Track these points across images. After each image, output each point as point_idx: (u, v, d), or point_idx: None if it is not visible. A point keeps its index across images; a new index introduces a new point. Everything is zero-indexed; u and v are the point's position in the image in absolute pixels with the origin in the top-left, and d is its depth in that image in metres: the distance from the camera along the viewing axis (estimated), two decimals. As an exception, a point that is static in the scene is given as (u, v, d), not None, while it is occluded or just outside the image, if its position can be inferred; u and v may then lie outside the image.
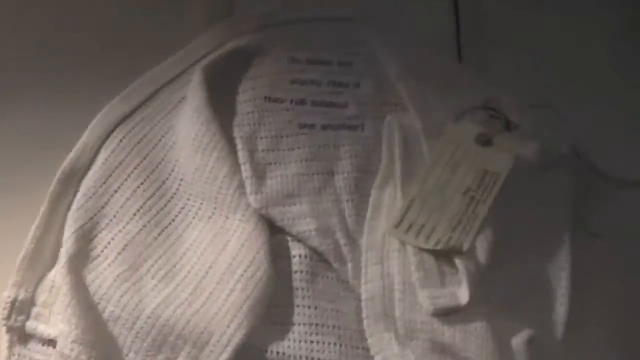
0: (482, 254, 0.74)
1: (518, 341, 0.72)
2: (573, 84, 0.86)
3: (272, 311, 0.71)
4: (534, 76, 0.87)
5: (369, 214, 0.76)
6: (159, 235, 0.75)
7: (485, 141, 0.80)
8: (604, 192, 0.80)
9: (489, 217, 0.75)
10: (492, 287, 0.74)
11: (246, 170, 0.75)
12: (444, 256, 0.74)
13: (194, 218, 0.75)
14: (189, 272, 0.72)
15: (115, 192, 0.76)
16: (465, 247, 0.74)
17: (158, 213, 0.76)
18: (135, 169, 0.78)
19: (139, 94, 0.81)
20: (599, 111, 0.83)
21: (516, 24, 0.91)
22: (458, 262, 0.73)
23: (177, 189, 0.77)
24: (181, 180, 0.77)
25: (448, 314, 0.71)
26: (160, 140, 0.80)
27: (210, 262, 0.73)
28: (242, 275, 0.71)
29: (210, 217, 0.75)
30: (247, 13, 0.85)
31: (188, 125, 0.79)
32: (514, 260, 0.76)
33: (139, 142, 0.79)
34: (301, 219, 0.74)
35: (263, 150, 0.77)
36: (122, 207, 0.75)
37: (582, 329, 0.75)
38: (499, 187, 0.77)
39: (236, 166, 0.75)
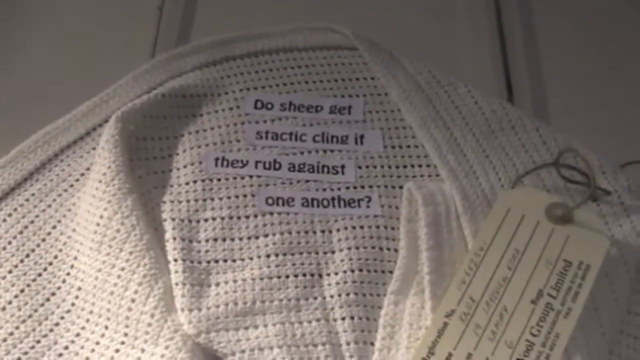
0: None
1: None
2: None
3: None
4: (613, 120, 0.66)
5: (378, 340, 0.48)
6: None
7: (561, 216, 0.53)
8: None
9: (577, 337, 0.48)
10: None
11: (177, 272, 0.50)
12: None
13: (91, 353, 0.48)
14: None
15: None
16: None
17: (36, 344, 0.49)
18: (10, 272, 0.51)
19: (26, 161, 0.57)
20: None
21: (578, 53, 0.70)
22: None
23: (71, 307, 0.50)
24: (78, 290, 0.50)
25: None
26: (52, 229, 0.53)
27: None
28: None
29: (116, 352, 0.47)
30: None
31: (91, 204, 0.51)
32: None
33: (20, 233, 0.53)
34: (264, 351, 0.47)
35: (207, 240, 0.52)
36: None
37: None
38: (589, 287, 0.50)
39: (161, 266, 0.50)
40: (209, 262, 0.50)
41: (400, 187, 0.55)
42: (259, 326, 0.48)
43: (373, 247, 0.52)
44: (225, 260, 0.51)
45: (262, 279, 0.50)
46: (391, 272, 0.51)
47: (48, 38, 0.67)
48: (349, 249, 0.51)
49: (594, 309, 0.50)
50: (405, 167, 0.56)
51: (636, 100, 0.68)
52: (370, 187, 0.55)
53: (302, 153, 0.56)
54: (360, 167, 0.56)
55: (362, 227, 0.52)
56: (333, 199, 0.54)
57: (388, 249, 0.52)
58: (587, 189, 0.55)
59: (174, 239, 0.51)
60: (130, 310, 0.47)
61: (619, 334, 0.50)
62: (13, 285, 0.50)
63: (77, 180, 0.55)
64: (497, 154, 0.57)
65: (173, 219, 0.52)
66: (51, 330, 0.49)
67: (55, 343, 0.48)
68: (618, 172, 0.58)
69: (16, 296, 0.50)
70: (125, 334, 0.47)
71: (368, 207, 0.53)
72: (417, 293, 0.50)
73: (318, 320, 0.49)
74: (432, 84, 0.60)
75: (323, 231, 0.52)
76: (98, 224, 0.50)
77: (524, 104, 0.66)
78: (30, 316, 0.49)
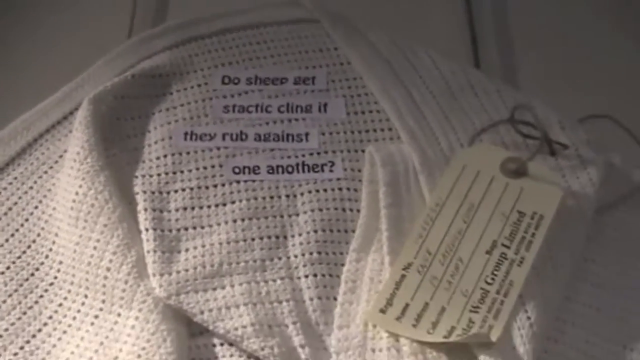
0: (523, 345, 0.48)
1: None
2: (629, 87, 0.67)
3: None
4: (575, 81, 0.69)
5: (340, 295, 0.51)
6: (19, 350, 0.50)
7: (516, 170, 0.55)
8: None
9: (532, 284, 0.50)
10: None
11: (149, 241, 0.52)
12: (462, 353, 0.47)
13: (73, 321, 0.51)
14: (55, 407, 0.47)
15: None
16: (495, 334, 0.48)
17: (22, 315, 0.51)
18: None
19: (7, 147, 0.59)
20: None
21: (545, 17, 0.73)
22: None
23: (54, 280, 0.53)
24: (60, 264, 0.53)
25: None
26: (34, 210, 0.56)
27: (90, 387, 0.47)
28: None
29: (95, 317, 0.50)
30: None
31: (67, 182, 0.54)
32: (579, 348, 0.50)
33: (4, 214, 0.56)
34: (230, 310, 0.49)
35: (177, 210, 0.54)
36: (-25, 311, 0.52)
37: None
38: (542, 237, 0.52)
39: (133, 236, 0.52)
40: (178, 229, 0.53)
41: (363, 151, 0.57)
42: (226, 286, 0.50)
43: (336, 209, 0.54)
44: (194, 228, 0.53)
45: (229, 242, 0.52)
46: (353, 231, 0.53)
47: (25, 25, 0.69)
48: (313, 211, 0.54)
49: (549, 258, 0.52)
50: (367, 131, 0.58)
51: (599, 57, 0.70)
52: (334, 152, 0.57)
53: (267, 123, 0.58)
54: (323, 134, 0.58)
55: (325, 190, 0.55)
56: (297, 165, 0.56)
57: (350, 210, 0.54)
58: (544, 143, 0.57)
59: (145, 210, 0.53)
60: (106, 279, 0.50)
61: (576, 280, 0.52)
62: (7, 255, 0.54)
63: (56, 162, 0.58)
64: (457, 115, 0.59)
65: (145, 192, 0.54)
66: (36, 302, 0.52)
67: (40, 314, 0.51)
68: (577, 126, 0.60)
69: (2, 273, 0.53)
70: (103, 301, 0.50)
71: (331, 171, 0.56)
72: (377, 250, 0.52)
73: (282, 278, 0.51)
74: (392, 51, 0.62)
75: (288, 195, 0.55)
76: (74, 200, 0.53)
77: (490, 65, 0.68)
78: (16, 290, 0.52)
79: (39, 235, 0.55)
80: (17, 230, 0.55)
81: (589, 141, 0.59)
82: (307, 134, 0.58)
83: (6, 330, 0.50)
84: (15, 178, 0.57)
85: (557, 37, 0.71)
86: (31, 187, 0.57)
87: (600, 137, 0.59)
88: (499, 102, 0.60)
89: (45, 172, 0.57)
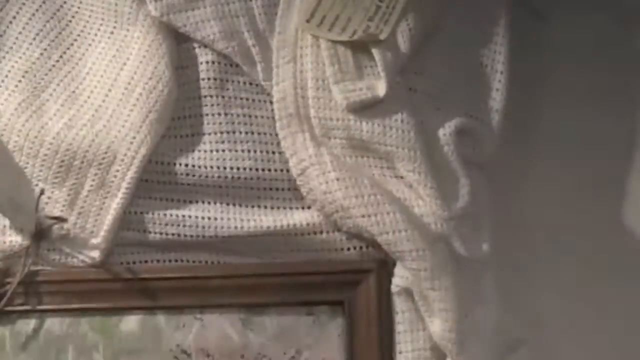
0: (403, 42, 0.70)
1: (446, 131, 0.67)
2: None
3: (179, 122, 0.69)
4: None
5: (279, 11, 0.72)
6: (60, 57, 0.73)
7: None
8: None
9: (413, 2, 0.70)
10: (417, 76, 0.70)
11: None
12: (361, 48, 0.69)
13: (95, 36, 0.73)
14: (91, 93, 0.71)
15: (14, 18, 0.74)
16: (383, 35, 0.69)
17: (58, 35, 0.73)
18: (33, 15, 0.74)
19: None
20: None
21: None
22: (375, 51, 0.69)
23: (78, 9, 0.74)
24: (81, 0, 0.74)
25: (365, 108, 0.67)
26: None
27: (111, 81, 0.70)
28: (142, 91, 0.68)
29: (111, 33, 0.72)
30: None
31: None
32: (443, 47, 0.72)
33: None
34: (205, 22, 0.71)
35: None
36: (20, 32, 0.73)
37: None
38: None
39: None
40: None
41: None
42: (201, 8, 0.70)
43: None
44: None
45: None
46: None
47: None
48: None
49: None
50: None
51: None
52: None
53: None
54: None
55: None
56: None
57: None
58: None
59: None
60: (118, 5, 0.71)
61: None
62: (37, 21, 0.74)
63: None
64: None
65: None
66: (67, 24, 0.74)
67: (71, 33, 0.73)
68: None
69: (37, 9, 0.74)
70: (115, 22, 0.72)
71: None
72: None
73: (240, 1, 0.70)
74: None
75: None
76: None
77: None
78: (51, 17, 0.74)
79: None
80: None
81: None
82: None
83: (49, 44, 0.72)
84: None
85: None
86: None
87: None
88: None
89: None
